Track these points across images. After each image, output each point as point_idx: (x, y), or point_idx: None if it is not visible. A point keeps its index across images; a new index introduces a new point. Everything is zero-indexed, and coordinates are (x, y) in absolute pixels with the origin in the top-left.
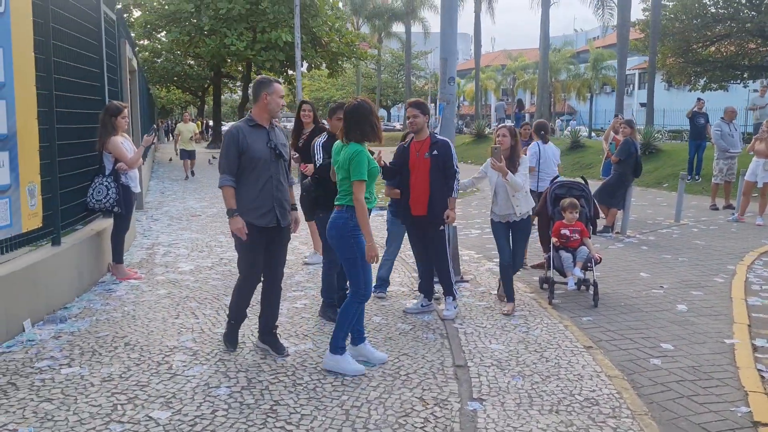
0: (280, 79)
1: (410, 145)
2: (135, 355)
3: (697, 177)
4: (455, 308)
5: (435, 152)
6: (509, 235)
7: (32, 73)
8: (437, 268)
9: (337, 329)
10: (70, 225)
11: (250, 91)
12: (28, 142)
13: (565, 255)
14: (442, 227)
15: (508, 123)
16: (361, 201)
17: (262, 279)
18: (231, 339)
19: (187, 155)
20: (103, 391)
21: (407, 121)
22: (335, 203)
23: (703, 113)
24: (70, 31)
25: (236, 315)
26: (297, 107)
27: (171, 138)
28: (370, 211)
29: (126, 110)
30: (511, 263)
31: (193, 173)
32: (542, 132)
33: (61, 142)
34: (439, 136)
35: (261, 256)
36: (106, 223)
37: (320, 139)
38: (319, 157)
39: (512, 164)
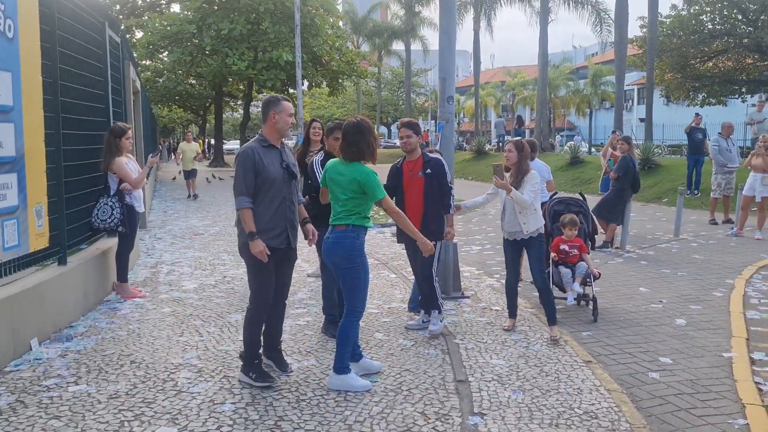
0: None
1: (403, 165)
2: (141, 373)
3: (696, 192)
4: (441, 322)
5: (428, 171)
6: (517, 254)
7: (40, 97)
8: (420, 282)
9: (340, 349)
10: (75, 245)
11: (253, 110)
12: (35, 163)
13: (564, 270)
14: (433, 243)
15: (510, 139)
16: (397, 211)
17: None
18: (264, 374)
19: (187, 175)
20: (110, 408)
21: (400, 142)
22: (334, 223)
23: (701, 128)
24: (76, 54)
25: (254, 346)
26: (306, 125)
27: (173, 157)
28: (368, 229)
29: (130, 131)
30: (511, 284)
31: (196, 195)
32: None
33: (67, 164)
34: (431, 155)
35: (273, 278)
36: (111, 243)
37: (318, 157)
38: (319, 175)
39: (518, 181)
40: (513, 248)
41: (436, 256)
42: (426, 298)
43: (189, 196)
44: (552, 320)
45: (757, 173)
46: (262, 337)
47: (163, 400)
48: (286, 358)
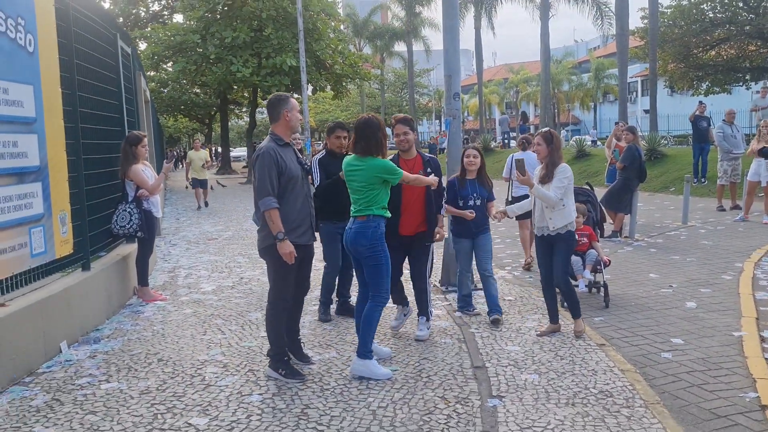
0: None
1: (399, 164)
2: (169, 370)
3: (703, 180)
4: (428, 329)
5: (429, 170)
6: (548, 251)
7: (60, 108)
8: (417, 287)
9: (364, 335)
10: (97, 251)
11: (258, 116)
12: (58, 172)
13: (575, 258)
14: (428, 244)
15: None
16: (415, 177)
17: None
18: (292, 371)
19: (199, 184)
20: (142, 402)
21: (397, 139)
22: (356, 215)
23: (706, 116)
24: (91, 66)
25: (280, 343)
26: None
27: (181, 166)
28: (386, 219)
29: (145, 139)
30: (547, 281)
31: (206, 203)
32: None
33: (87, 172)
34: (426, 154)
35: (293, 277)
36: (130, 248)
37: (318, 156)
38: (317, 175)
39: (548, 174)
40: (542, 244)
41: (430, 258)
42: (417, 299)
43: (198, 207)
44: (575, 313)
45: (760, 158)
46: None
47: (192, 394)
48: (307, 351)
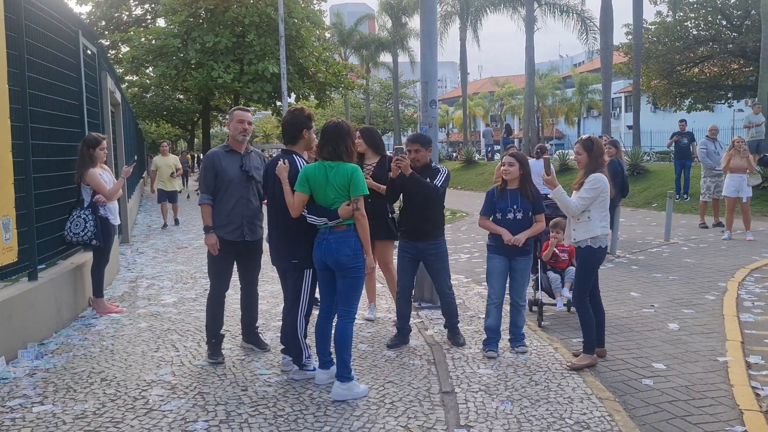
0: (253, 107)
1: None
2: (111, 391)
3: (685, 196)
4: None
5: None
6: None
7: (6, 106)
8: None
9: (343, 355)
10: (47, 259)
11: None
12: (2, 174)
13: (554, 275)
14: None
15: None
16: (365, 216)
17: (240, 288)
18: (215, 353)
19: (167, 197)
20: (75, 429)
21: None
22: (331, 225)
23: (686, 133)
24: (47, 63)
25: (214, 332)
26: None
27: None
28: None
29: (104, 142)
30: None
31: (176, 221)
32: (538, 151)
33: (37, 175)
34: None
35: (230, 268)
36: (86, 257)
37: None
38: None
39: (580, 183)
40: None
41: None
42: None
43: (165, 224)
44: (586, 348)
45: (739, 174)
46: (240, 324)
47: (132, 419)
48: (267, 365)
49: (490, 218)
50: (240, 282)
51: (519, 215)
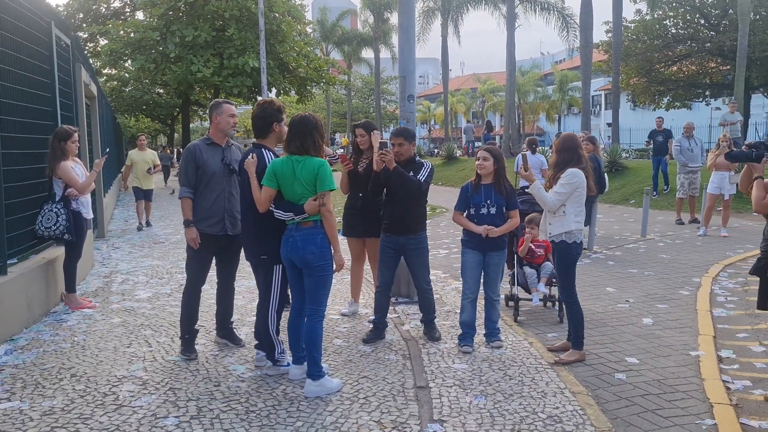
0: (234, 101)
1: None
2: (80, 387)
3: (665, 189)
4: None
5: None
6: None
7: None
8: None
9: (313, 354)
10: (17, 253)
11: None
12: None
13: (530, 271)
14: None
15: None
16: (332, 212)
17: (217, 282)
18: (189, 349)
19: (143, 195)
20: (42, 425)
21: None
22: (298, 221)
23: (662, 131)
24: (16, 53)
25: (188, 327)
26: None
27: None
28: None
29: (76, 134)
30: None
31: (149, 223)
32: (533, 146)
33: (7, 168)
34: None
35: (209, 262)
36: (59, 252)
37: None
38: None
39: (554, 178)
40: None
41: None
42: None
43: (139, 226)
44: (575, 343)
45: (723, 172)
46: (215, 319)
47: (101, 415)
48: (240, 361)
49: (464, 213)
50: (217, 276)
51: (493, 210)
